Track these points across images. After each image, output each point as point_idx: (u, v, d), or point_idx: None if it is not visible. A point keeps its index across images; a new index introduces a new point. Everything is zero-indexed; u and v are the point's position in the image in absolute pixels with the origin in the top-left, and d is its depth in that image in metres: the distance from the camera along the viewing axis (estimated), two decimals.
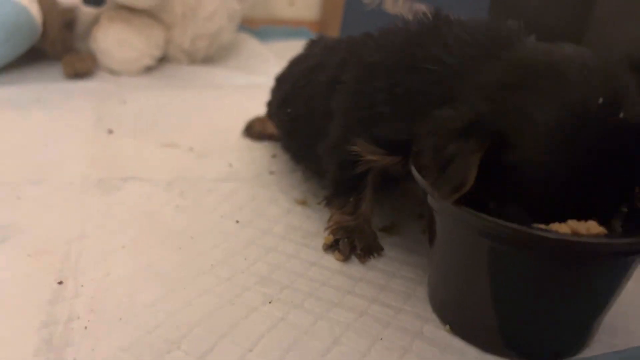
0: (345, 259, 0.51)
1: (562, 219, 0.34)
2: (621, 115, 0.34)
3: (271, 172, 0.68)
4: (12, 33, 0.95)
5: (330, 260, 0.51)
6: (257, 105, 0.79)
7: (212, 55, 1.17)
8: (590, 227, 0.33)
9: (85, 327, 0.41)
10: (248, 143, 0.77)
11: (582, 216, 0.34)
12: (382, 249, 0.53)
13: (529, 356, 0.40)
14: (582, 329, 0.40)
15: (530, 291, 0.37)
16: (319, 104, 0.55)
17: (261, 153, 0.74)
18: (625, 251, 0.35)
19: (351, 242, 0.52)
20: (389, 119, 0.45)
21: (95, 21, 1.06)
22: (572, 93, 0.34)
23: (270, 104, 0.73)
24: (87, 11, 1.05)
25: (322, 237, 0.54)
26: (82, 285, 0.45)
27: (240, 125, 0.80)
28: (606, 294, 0.38)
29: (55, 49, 1.05)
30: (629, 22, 0.54)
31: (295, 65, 0.68)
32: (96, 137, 0.76)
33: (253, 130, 0.78)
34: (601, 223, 0.34)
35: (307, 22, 1.49)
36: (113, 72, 1.05)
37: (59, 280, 0.46)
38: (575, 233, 0.33)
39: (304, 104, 0.59)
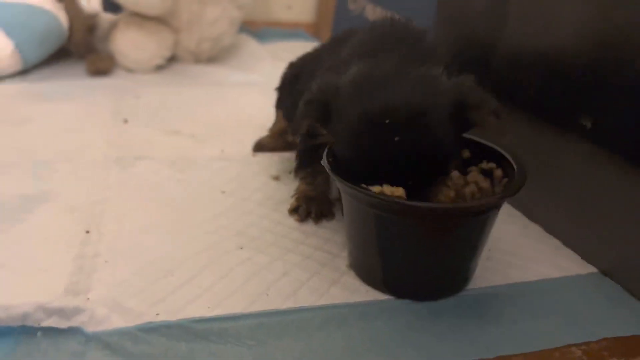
0: (302, 220, 0.66)
1: (374, 183, 0.47)
2: (396, 139, 0.46)
3: (254, 155, 0.83)
4: (44, 37, 1.11)
5: (293, 221, 0.66)
6: (251, 100, 0.93)
7: (215, 56, 1.30)
8: (395, 191, 0.47)
9: (106, 261, 0.57)
10: (240, 133, 0.91)
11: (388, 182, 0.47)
12: (333, 215, 0.68)
13: (412, 295, 0.52)
14: (453, 273, 0.53)
15: (408, 245, 0.50)
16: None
17: (249, 141, 0.88)
18: (467, 213, 0.48)
19: (308, 208, 0.67)
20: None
21: (113, 26, 1.21)
22: (381, 101, 0.48)
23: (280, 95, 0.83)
24: (107, 17, 1.20)
25: (289, 203, 0.69)
26: (103, 234, 0.61)
27: (235, 117, 0.95)
28: (466, 245, 0.51)
29: (80, 50, 1.20)
30: (532, 37, 0.67)
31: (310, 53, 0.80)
32: (114, 125, 0.91)
33: (262, 148, 0.85)
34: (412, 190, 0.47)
35: (303, 24, 1.62)
36: (129, 71, 1.19)
37: (86, 230, 0.61)
38: (382, 192, 0.47)
39: (303, 86, 0.69)
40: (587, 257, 0.60)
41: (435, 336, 0.49)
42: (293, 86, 0.75)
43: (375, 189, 0.47)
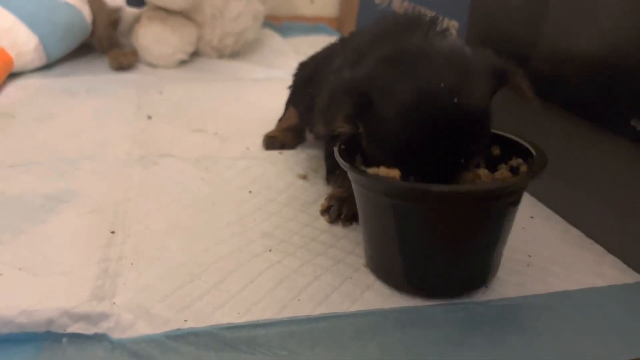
0: (332, 222, 0.64)
1: (412, 169, 0.46)
2: (455, 100, 0.45)
3: (280, 153, 0.81)
4: (67, 32, 1.10)
5: (322, 223, 0.64)
6: (273, 96, 0.92)
7: (238, 51, 1.29)
8: (390, 172, 0.46)
9: (132, 264, 0.55)
10: (264, 130, 0.89)
11: (426, 167, 0.46)
12: None
13: (432, 291, 0.51)
14: (473, 266, 0.50)
15: (425, 235, 0.48)
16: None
17: None
18: (486, 196, 0.46)
19: (339, 209, 0.65)
20: None
21: (136, 20, 1.20)
22: (425, 76, 0.46)
23: (293, 92, 0.84)
24: (130, 11, 1.19)
25: (317, 205, 0.67)
26: (128, 235, 0.59)
27: (259, 114, 0.93)
28: (485, 233, 0.48)
29: (103, 44, 1.20)
30: (574, 34, 0.64)
31: (319, 53, 0.80)
32: (137, 121, 0.90)
33: (273, 144, 0.84)
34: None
35: (326, 18, 1.61)
36: (152, 66, 1.18)
37: (111, 230, 0.60)
38: (377, 174, 0.46)
39: (318, 87, 0.69)
40: (633, 264, 0.57)
41: (474, 349, 0.46)
42: (306, 88, 0.75)
43: (370, 170, 0.47)
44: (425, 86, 0.46)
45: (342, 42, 0.73)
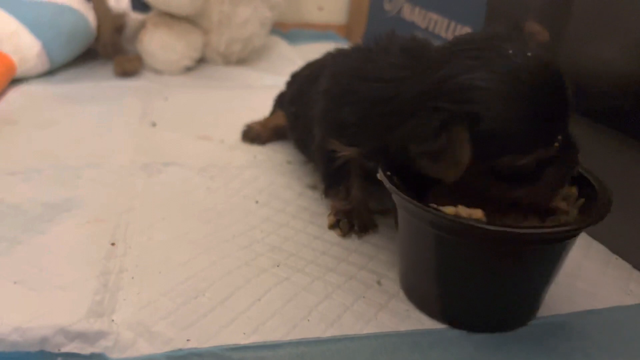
0: (345, 235, 0.61)
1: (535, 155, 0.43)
2: (544, 61, 0.43)
3: (289, 162, 0.78)
4: (72, 37, 1.08)
5: (332, 235, 0.61)
6: None
7: (245, 57, 1.27)
8: (473, 213, 0.42)
9: (133, 277, 0.52)
10: None
11: (549, 143, 0.44)
12: (376, 225, 0.63)
13: (471, 326, 0.47)
14: (521, 304, 0.47)
15: (473, 271, 0.45)
16: (311, 111, 0.62)
17: (282, 147, 0.84)
18: (543, 239, 0.42)
19: (350, 221, 0.62)
20: (355, 126, 0.54)
21: (142, 26, 1.18)
22: (496, 59, 0.43)
23: (283, 97, 0.83)
24: (135, 17, 1.17)
25: (326, 216, 0.64)
26: (130, 247, 0.57)
27: None
28: (540, 274, 0.46)
29: (107, 50, 1.17)
30: (601, 41, 0.61)
31: (306, 68, 0.77)
32: (142, 128, 0.87)
33: (251, 134, 0.85)
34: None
35: (334, 26, 1.58)
36: (157, 72, 1.16)
37: (111, 242, 0.57)
38: (457, 215, 0.41)
39: (303, 106, 0.67)
40: None
41: None
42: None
43: (449, 210, 0.42)
44: (511, 64, 0.43)
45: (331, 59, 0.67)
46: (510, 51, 0.44)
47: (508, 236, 0.42)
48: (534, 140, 0.43)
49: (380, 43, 0.54)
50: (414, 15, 1.11)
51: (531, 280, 0.46)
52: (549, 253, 0.44)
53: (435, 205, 0.43)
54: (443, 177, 0.44)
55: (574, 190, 0.49)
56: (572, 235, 0.44)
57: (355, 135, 0.54)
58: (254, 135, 0.85)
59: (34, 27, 1.04)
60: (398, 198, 0.45)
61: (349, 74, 0.55)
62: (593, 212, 0.44)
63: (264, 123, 0.87)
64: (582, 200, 0.48)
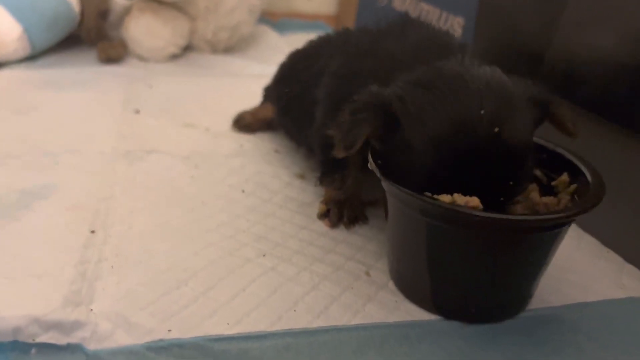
0: (333, 226, 0.59)
1: (448, 192, 0.41)
2: (496, 130, 0.41)
3: (276, 151, 0.76)
4: (53, 21, 1.05)
5: (319, 225, 0.60)
6: None
7: (233, 46, 1.24)
8: (470, 201, 0.40)
9: (112, 267, 0.50)
10: None
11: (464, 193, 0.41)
12: (367, 218, 0.61)
13: (464, 316, 0.46)
14: (513, 293, 0.46)
15: (467, 260, 0.44)
16: (310, 91, 0.62)
17: (269, 136, 0.82)
18: (533, 227, 0.42)
19: (340, 212, 0.60)
20: None
21: (127, 12, 1.15)
22: (460, 101, 0.42)
23: (270, 89, 0.81)
24: (120, 2, 1.14)
25: (314, 206, 0.62)
26: (110, 235, 0.55)
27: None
28: (532, 262, 0.45)
29: (91, 36, 1.14)
30: (595, 29, 0.60)
31: (297, 51, 0.75)
32: (124, 115, 0.85)
33: (242, 123, 0.84)
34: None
35: (324, 16, 1.56)
36: (142, 59, 1.13)
37: (91, 230, 0.55)
38: (455, 203, 0.40)
39: (299, 86, 0.66)
40: None
41: None
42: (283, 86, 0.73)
43: (445, 198, 0.41)
44: (464, 115, 0.42)
45: (333, 41, 0.68)
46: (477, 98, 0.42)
47: (503, 224, 0.41)
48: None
49: (393, 25, 0.54)
50: (405, 5, 1.09)
51: (524, 268, 0.45)
52: (543, 240, 0.43)
53: (429, 194, 0.41)
54: (336, 147, 0.46)
55: (564, 178, 0.48)
56: (568, 221, 0.43)
57: None
58: (244, 123, 0.83)
59: (15, 11, 1.01)
60: (389, 186, 0.44)
61: (361, 55, 0.54)
62: (587, 198, 0.43)
63: (254, 112, 0.85)
64: (574, 186, 0.47)
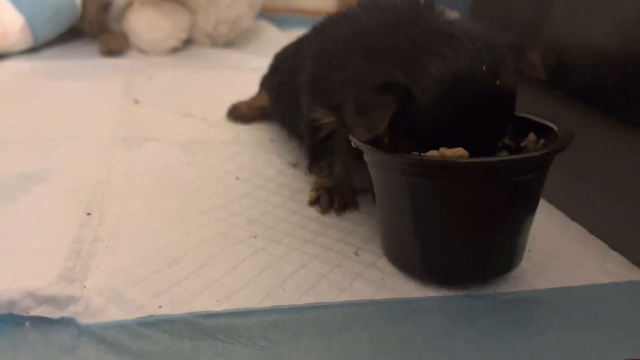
0: (324, 212, 0.60)
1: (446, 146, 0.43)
2: (497, 82, 0.44)
3: (271, 140, 0.78)
4: (56, 13, 1.07)
5: (311, 211, 0.61)
6: None
7: (233, 40, 1.26)
8: (456, 152, 0.42)
9: (107, 247, 0.51)
10: None
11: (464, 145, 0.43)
12: (357, 204, 0.62)
13: (454, 277, 0.48)
14: (498, 249, 0.47)
15: (446, 216, 0.45)
16: (297, 77, 0.62)
17: (265, 126, 0.83)
18: (507, 169, 0.43)
19: (330, 199, 0.61)
20: (339, 86, 0.53)
21: (128, 5, 1.17)
22: (463, 60, 0.44)
23: (267, 78, 0.82)
24: None
25: (306, 193, 0.63)
26: (105, 217, 0.56)
27: None
28: (516, 216, 0.46)
29: (93, 29, 1.16)
30: (584, 21, 0.61)
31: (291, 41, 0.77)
32: (124, 105, 0.86)
33: (237, 113, 0.85)
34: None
35: (324, 12, 1.57)
36: (142, 52, 1.15)
37: (87, 212, 0.56)
38: (443, 155, 0.42)
39: (288, 74, 0.67)
40: (638, 262, 0.54)
41: (472, 344, 0.43)
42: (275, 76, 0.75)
43: (433, 154, 0.43)
44: (468, 71, 0.44)
45: (318, 27, 0.68)
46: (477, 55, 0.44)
47: (481, 167, 0.42)
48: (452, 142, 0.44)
49: (366, 6, 0.55)
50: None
51: (509, 218, 0.46)
52: (526, 185, 0.45)
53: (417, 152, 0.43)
54: (354, 131, 0.46)
55: (532, 137, 0.49)
56: (547, 160, 0.45)
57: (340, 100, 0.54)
58: (239, 113, 0.84)
59: (18, 2, 1.03)
60: (371, 154, 0.45)
61: (338, 38, 0.55)
62: (560, 139, 0.45)
63: (249, 102, 0.86)
64: (543, 140, 0.48)
